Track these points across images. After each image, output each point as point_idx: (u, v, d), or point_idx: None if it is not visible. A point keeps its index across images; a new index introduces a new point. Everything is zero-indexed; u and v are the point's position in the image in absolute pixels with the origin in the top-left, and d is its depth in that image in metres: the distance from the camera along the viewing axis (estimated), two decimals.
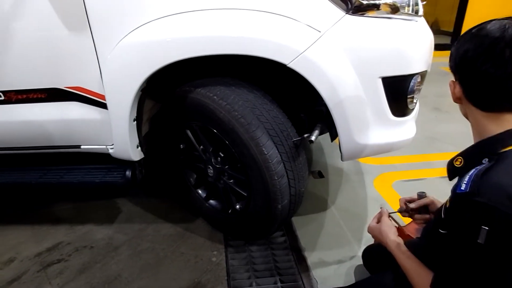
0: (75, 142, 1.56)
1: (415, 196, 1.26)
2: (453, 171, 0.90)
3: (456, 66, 0.86)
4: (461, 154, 0.90)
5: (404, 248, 1.02)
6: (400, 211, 1.28)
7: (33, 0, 1.28)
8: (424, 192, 1.24)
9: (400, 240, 1.06)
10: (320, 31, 1.18)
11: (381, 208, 1.23)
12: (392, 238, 1.07)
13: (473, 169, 0.80)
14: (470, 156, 0.87)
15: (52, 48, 1.35)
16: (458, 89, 0.88)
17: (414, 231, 1.36)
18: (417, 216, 1.24)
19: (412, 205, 1.23)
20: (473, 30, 0.83)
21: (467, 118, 0.92)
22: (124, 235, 1.75)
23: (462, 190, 0.78)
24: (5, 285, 1.48)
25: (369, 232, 1.20)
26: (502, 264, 0.73)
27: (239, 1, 1.21)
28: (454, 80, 0.89)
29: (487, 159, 0.81)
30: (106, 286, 1.46)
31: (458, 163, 0.89)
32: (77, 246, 1.69)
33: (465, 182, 0.78)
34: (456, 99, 0.91)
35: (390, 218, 1.19)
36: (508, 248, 0.72)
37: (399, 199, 1.29)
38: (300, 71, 1.20)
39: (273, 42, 1.19)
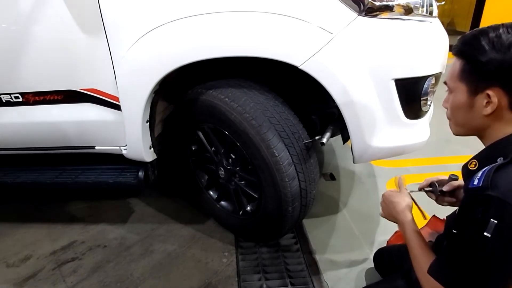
0: (89, 143, 1.59)
1: (445, 178, 1.17)
2: (468, 174, 0.88)
3: (501, 74, 0.79)
4: (476, 157, 0.90)
5: (415, 225, 0.99)
6: (423, 189, 1.20)
7: (51, 4, 1.31)
8: (457, 176, 1.14)
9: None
10: (332, 33, 1.18)
11: (399, 177, 1.16)
12: (407, 210, 1.03)
13: (487, 166, 0.79)
14: (484, 158, 0.86)
15: (68, 51, 1.38)
16: (501, 97, 0.80)
17: (427, 234, 1.34)
18: (446, 198, 1.16)
19: (445, 188, 1.14)
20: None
21: (478, 134, 0.89)
22: (137, 235, 1.77)
23: (474, 185, 0.77)
24: (21, 281, 1.52)
25: (383, 198, 1.15)
26: (504, 259, 0.73)
27: (250, 3, 1.21)
28: (486, 91, 0.81)
29: (501, 158, 0.80)
30: (119, 285, 1.48)
31: (472, 166, 0.88)
32: (91, 245, 1.72)
33: (478, 177, 0.78)
34: (489, 113, 0.82)
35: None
36: None
37: (425, 179, 1.22)
38: (312, 73, 1.20)
39: (284, 44, 1.19)
